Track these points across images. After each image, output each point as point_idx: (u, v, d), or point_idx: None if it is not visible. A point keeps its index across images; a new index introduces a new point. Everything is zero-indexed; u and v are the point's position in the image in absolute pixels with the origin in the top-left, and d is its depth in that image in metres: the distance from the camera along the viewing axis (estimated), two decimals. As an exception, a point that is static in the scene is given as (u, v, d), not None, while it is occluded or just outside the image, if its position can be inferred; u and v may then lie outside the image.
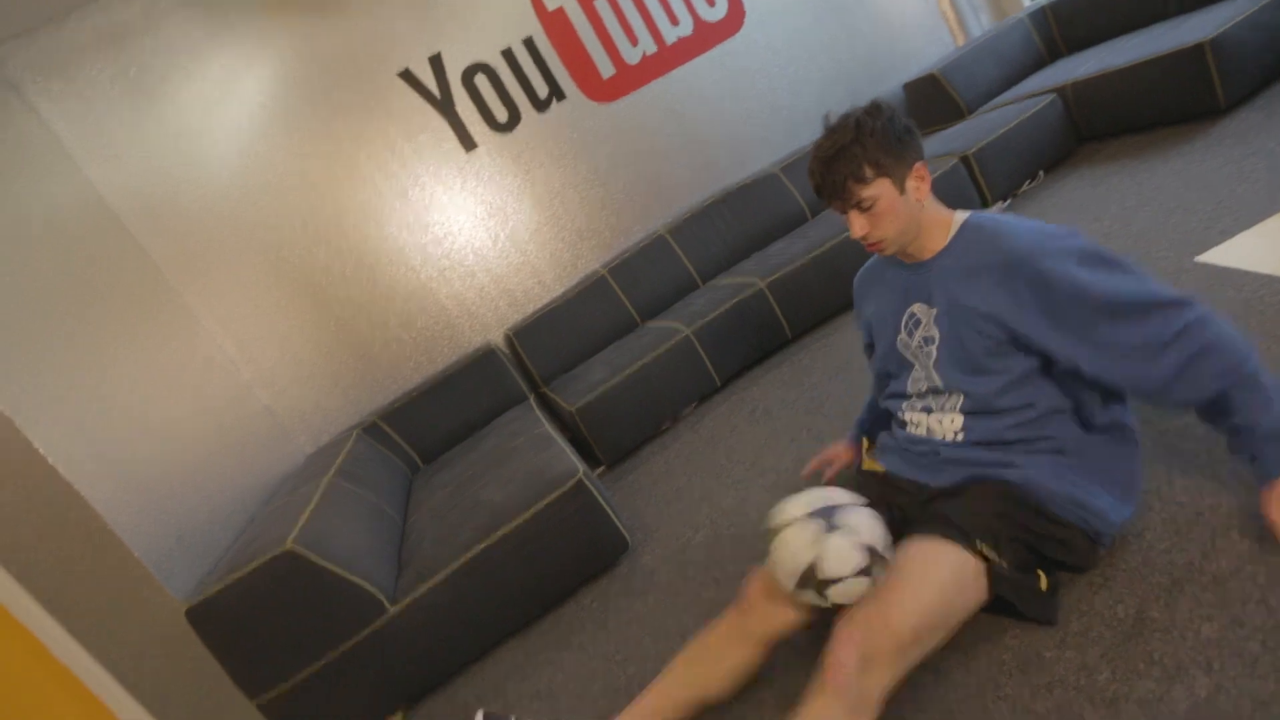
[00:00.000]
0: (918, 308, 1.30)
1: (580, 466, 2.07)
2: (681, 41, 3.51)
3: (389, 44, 3.13)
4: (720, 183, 3.64)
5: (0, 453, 1.77)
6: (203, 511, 2.23)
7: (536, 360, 3.25)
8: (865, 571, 1.11)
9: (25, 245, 2.22)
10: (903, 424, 1.39)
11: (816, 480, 1.72)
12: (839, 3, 3.76)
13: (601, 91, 3.43)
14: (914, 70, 3.87)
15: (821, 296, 2.93)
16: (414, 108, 3.18)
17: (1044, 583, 1.15)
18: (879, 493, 1.33)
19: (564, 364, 3.26)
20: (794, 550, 1.15)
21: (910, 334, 1.32)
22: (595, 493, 2.04)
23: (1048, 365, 1.18)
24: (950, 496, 1.23)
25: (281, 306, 3.05)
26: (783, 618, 1.26)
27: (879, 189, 1.19)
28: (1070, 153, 3.16)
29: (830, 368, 2.57)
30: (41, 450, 1.79)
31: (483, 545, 1.96)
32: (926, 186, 1.23)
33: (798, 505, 1.19)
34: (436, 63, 3.19)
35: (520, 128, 3.33)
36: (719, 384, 2.90)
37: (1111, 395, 1.22)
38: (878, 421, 1.62)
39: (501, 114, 3.29)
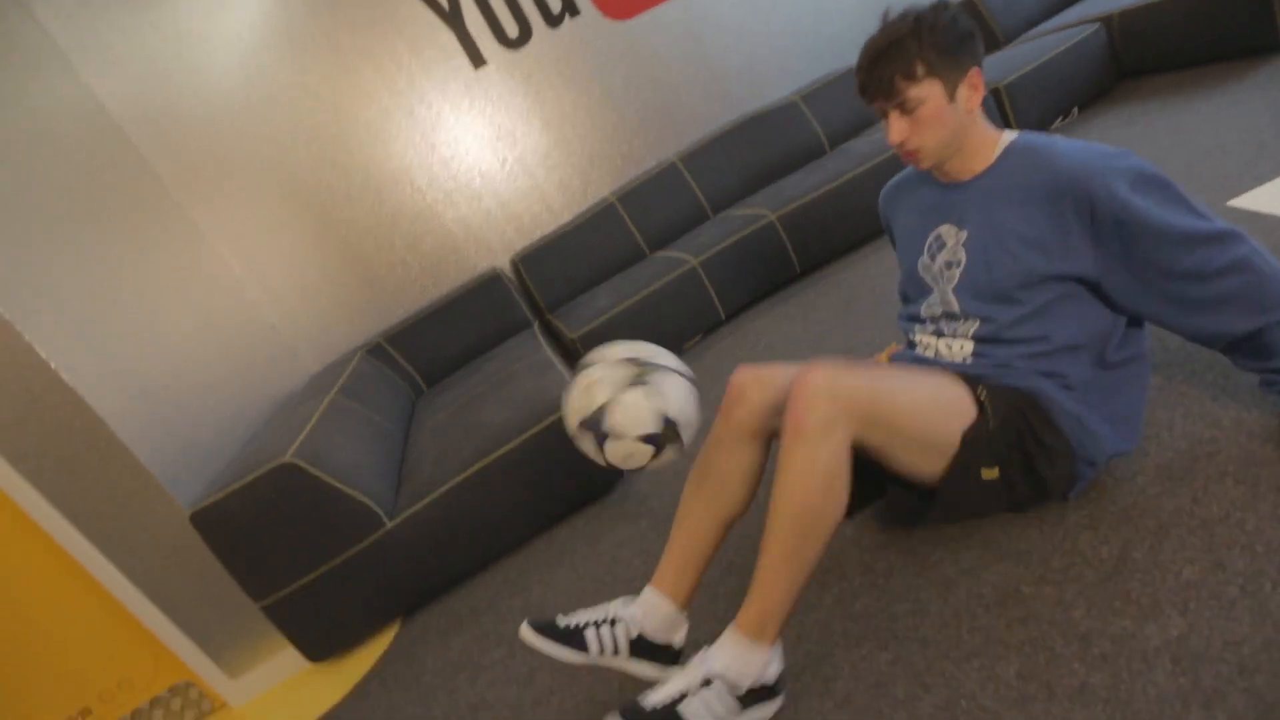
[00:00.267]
0: (945, 229, 1.23)
1: (578, 393, 2.07)
2: (703, -45, 3.31)
3: (395, -51, 2.98)
4: (737, 110, 3.50)
5: (3, 357, 1.79)
6: (208, 423, 2.27)
7: (542, 287, 3.22)
8: (652, 440, 1.08)
9: (26, 152, 2.19)
10: (912, 345, 1.35)
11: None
12: (875, -84, 3.51)
13: (616, 8, 3.27)
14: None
15: (833, 232, 2.86)
16: (422, 20, 3.05)
17: (996, 473, 1.14)
18: None
19: (569, 292, 3.24)
20: (592, 387, 1.11)
21: (933, 257, 1.26)
22: (592, 420, 2.05)
23: (1073, 296, 1.12)
24: None
25: (286, 225, 3.02)
26: (770, 397, 1.22)
27: (927, 90, 1.09)
28: (1109, 89, 3.00)
29: (837, 304, 2.52)
30: (45, 356, 1.81)
31: (480, 465, 1.99)
32: (979, 98, 1.13)
33: (621, 348, 1.14)
34: (445, -30, 3.04)
35: (531, 44, 3.19)
36: (724, 317, 2.87)
37: (1132, 331, 1.17)
38: None
39: (512, 29, 3.15)
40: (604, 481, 2.10)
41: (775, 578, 1.07)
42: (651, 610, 1.22)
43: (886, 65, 1.10)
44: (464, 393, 2.61)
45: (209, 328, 2.59)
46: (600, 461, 1.14)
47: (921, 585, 1.24)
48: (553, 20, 3.20)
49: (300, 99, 2.95)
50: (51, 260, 2.04)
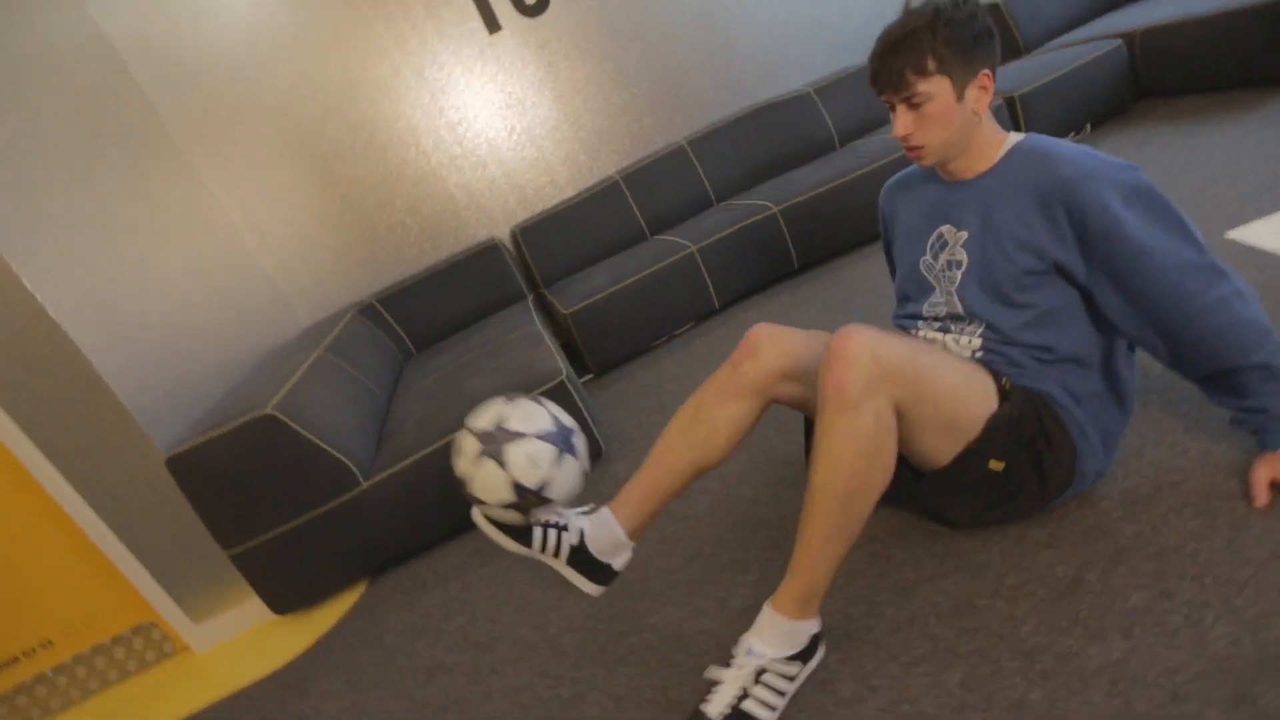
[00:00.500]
0: (946, 229, 1.22)
1: (564, 369, 2.08)
2: (729, -64, 3.25)
3: (416, -98, 2.92)
4: (749, 98, 3.46)
5: (-11, 285, 1.78)
6: (193, 369, 2.26)
7: (539, 261, 3.20)
8: (515, 506, 1.13)
9: (25, 82, 2.16)
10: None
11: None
12: (908, -89, 3.44)
13: (638, -17, 3.21)
14: (977, -3, 3.59)
15: (835, 229, 2.84)
16: (438, -23, 3.00)
17: (1002, 466, 1.12)
18: None
19: (566, 267, 3.22)
20: (456, 458, 1.17)
21: (935, 256, 1.25)
22: (576, 396, 2.05)
23: (1077, 305, 1.12)
24: None
25: (287, 177, 3.00)
26: (782, 363, 1.23)
27: (936, 86, 1.08)
28: (1125, 107, 2.97)
29: (832, 302, 2.51)
30: (31, 289, 1.80)
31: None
32: (988, 99, 1.12)
33: (481, 418, 1.18)
34: (465, -71, 2.99)
35: (548, 13, 3.14)
36: (718, 306, 2.86)
37: (1129, 352, 1.18)
38: None
39: (529, -5, 3.10)
40: (581, 460, 2.10)
41: (819, 555, 1.05)
42: (602, 528, 1.22)
43: (899, 56, 1.08)
44: (453, 360, 2.61)
45: (202, 273, 2.57)
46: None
47: (880, 589, 1.25)
48: (572, -10, 3.15)
49: (309, 49, 2.91)
50: (45, 193, 2.02)
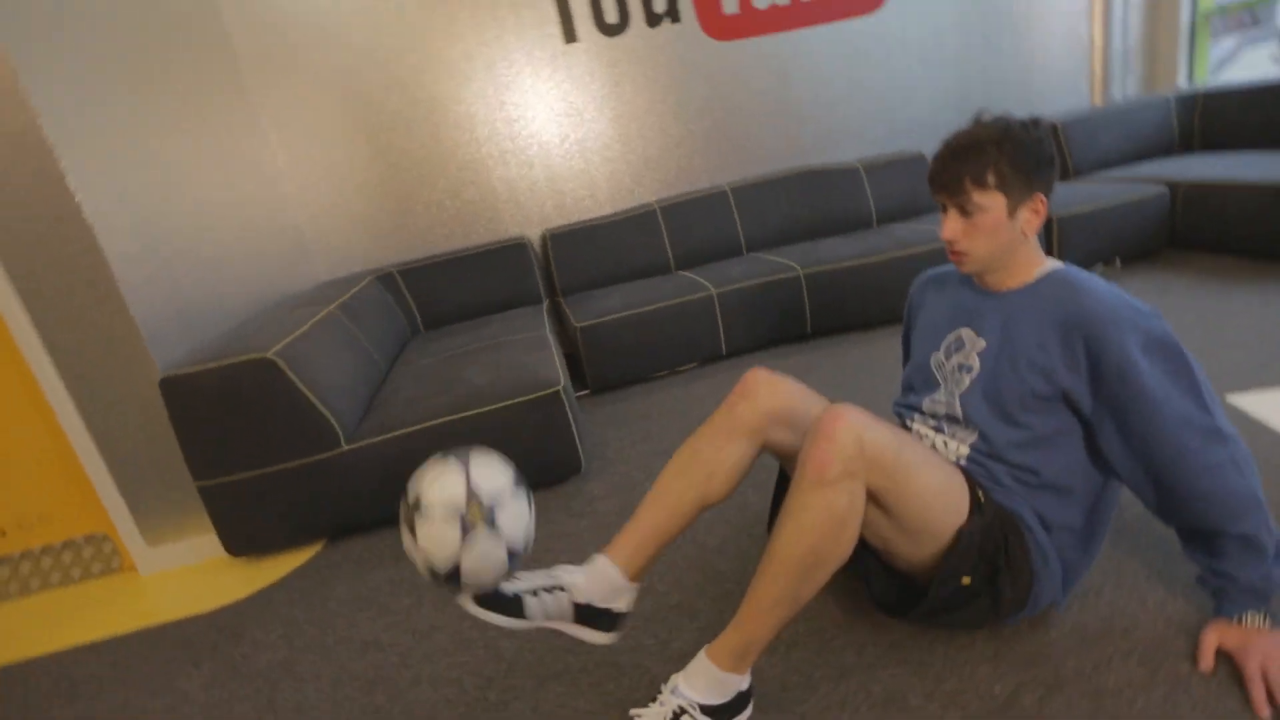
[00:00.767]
0: (966, 333, 1.25)
1: (562, 379, 2.10)
2: (815, 2, 3.35)
3: (526, -94, 3.02)
4: (800, 160, 3.54)
5: (34, 179, 1.82)
6: (208, 299, 2.29)
7: (562, 269, 3.25)
8: (464, 542, 1.04)
9: (118, -12, 2.22)
10: (907, 430, 1.35)
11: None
12: (989, 16, 3.55)
13: (718, 28, 3.30)
14: (1038, 112, 3.67)
15: (854, 304, 2.88)
16: (529, -20, 3.10)
17: (969, 581, 1.13)
18: None
19: (587, 281, 3.27)
20: (403, 540, 1.09)
21: (948, 356, 1.28)
22: (568, 409, 2.08)
23: (1074, 436, 1.14)
24: None
25: (340, 135, 3.06)
26: (777, 405, 1.25)
27: (991, 201, 1.11)
28: (1156, 252, 3.03)
29: (836, 375, 2.55)
30: (72, 187, 1.84)
31: (449, 418, 2.02)
32: (1038, 222, 1.15)
33: (407, 495, 1.09)
34: (566, -59, 3.09)
35: (626, 36, 3.23)
36: (724, 352, 2.90)
37: (1114, 492, 1.20)
38: None
39: (613, 15, 3.19)
40: (560, 473, 2.12)
41: (765, 615, 1.06)
42: (598, 576, 1.20)
43: (962, 164, 1.12)
44: (457, 346, 2.64)
45: (236, 209, 2.62)
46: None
47: (819, 664, 1.26)
48: (653, 20, 3.24)
49: (391, 20, 2.99)
50: (109, 98, 2.06)
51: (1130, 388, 1.04)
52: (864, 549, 1.24)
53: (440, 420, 2.01)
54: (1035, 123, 1.14)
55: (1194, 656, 1.10)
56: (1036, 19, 3.61)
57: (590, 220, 3.30)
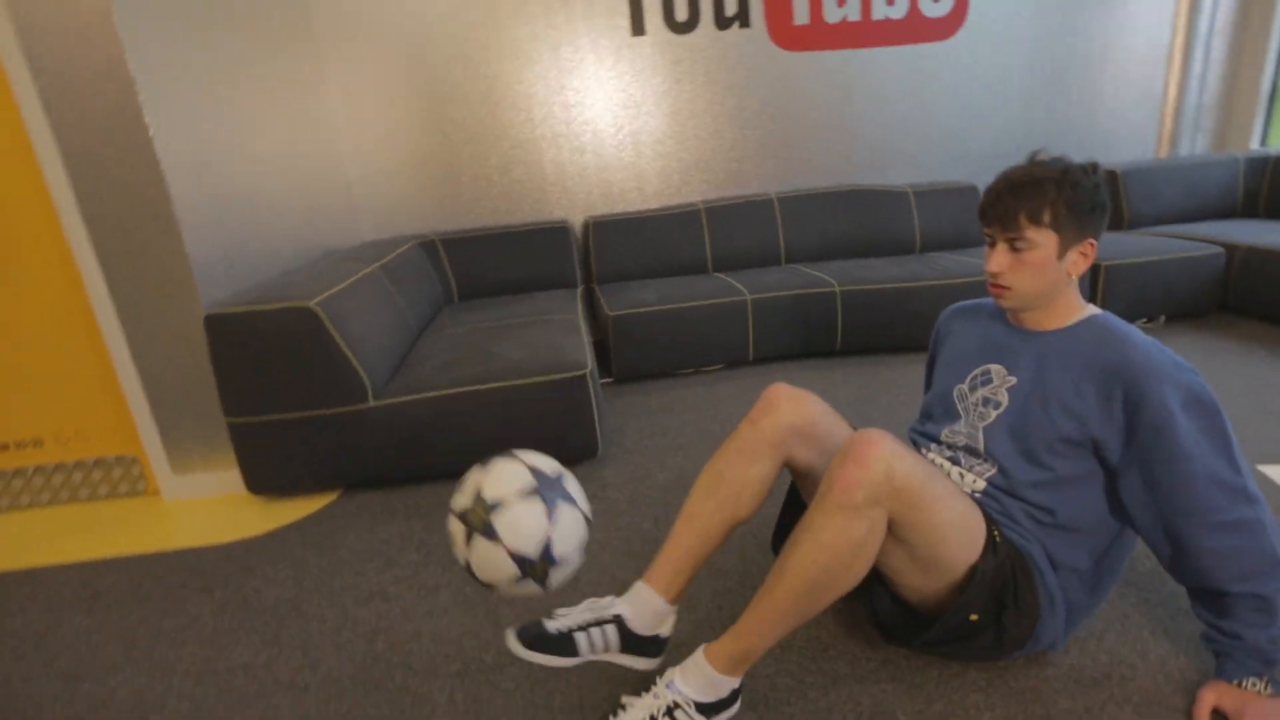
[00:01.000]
0: (996, 369, 1.25)
1: (590, 363, 2.13)
2: (888, 23, 3.34)
3: (610, -104, 3.05)
4: (851, 177, 3.53)
5: (115, 117, 1.89)
6: (258, 245, 2.36)
7: (601, 256, 3.28)
8: (527, 577, 1.04)
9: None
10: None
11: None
12: (1061, 57, 3.50)
13: (786, 37, 3.31)
14: (1100, 157, 3.62)
15: (886, 326, 2.87)
16: (605, -31, 3.13)
17: (977, 617, 1.14)
18: None
19: (624, 272, 3.29)
20: (452, 548, 1.08)
21: (973, 388, 1.28)
22: (592, 393, 2.11)
23: (1095, 483, 1.14)
24: None
25: (401, 101, 3.13)
26: (799, 420, 1.26)
27: (1043, 239, 1.11)
28: (1204, 313, 2.97)
29: (858, 393, 2.54)
30: (148, 122, 1.91)
31: (474, 388, 2.06)
32: (1085, 265, 1.16)
33: (460, 496, 1.06)
34: (645, -65, 3.11)
35: (693, 35, 3.25)
36: (751, 358, 2.91)
37: (1128, 541, 1.19)
38: None
39: (683, 13, 3.21)
40: (576, 456, 2.15)
41: (769, 627, 1.08)
42: (640, 604, 1.22)
43: (1018, 199, 1.12)
44: (489, 318, 2.68)
45: (293, 161, 2.69)
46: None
47: (812, 670, 1.27)
48: (723, 22, 3.25)
49: (466, -7, 3.04)
50: (191, 39, 2.14)
51: (1165, 441, 1.03)
52: (872, 574, 1.25)
53: (466, 389, 2.05)
54: (1094, 167, 1.14)
55: (1189, 713, 1.09)
56: (1110, 64, 3.55)
57: (634, 212, 3.33)
